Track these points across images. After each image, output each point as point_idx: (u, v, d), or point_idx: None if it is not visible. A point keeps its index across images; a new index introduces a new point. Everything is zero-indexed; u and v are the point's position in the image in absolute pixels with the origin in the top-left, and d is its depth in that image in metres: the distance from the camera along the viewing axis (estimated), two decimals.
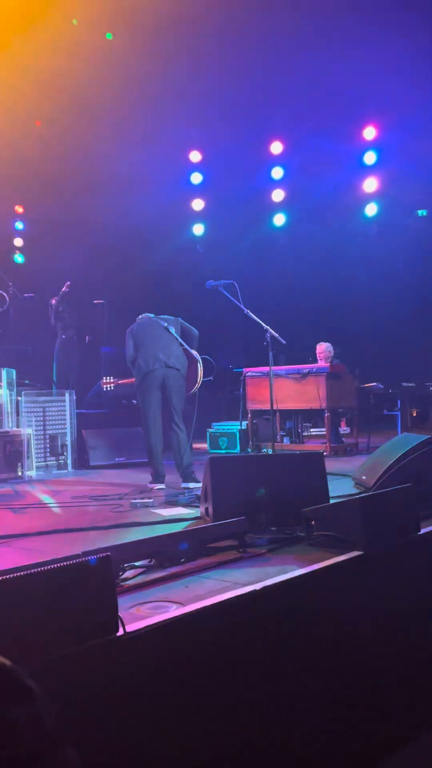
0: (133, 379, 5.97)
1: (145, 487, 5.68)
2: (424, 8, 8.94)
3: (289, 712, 2.48)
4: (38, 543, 3.60)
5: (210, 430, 8.36)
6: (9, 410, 7.10)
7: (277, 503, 3.71)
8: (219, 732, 2.23)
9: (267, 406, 6.74)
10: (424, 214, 11.14)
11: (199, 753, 2.16)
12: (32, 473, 6.94)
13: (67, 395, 7.80)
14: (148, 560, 2.98)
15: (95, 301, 11.18)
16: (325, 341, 8.68)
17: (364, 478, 4.79)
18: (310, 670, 2.60)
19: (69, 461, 7.52)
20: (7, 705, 0.80)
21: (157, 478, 5.76)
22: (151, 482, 5.75)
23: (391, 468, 4.30)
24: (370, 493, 3.79)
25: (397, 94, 9.82)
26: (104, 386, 6.87)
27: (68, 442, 7.57)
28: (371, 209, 11.19)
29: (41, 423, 7.47)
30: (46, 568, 1.95)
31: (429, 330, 10.47)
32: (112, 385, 6.78)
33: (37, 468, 7.19)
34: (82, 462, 7.62)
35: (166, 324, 5.95)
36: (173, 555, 3.02)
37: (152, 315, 6.11)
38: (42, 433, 7.43)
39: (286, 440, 8.41)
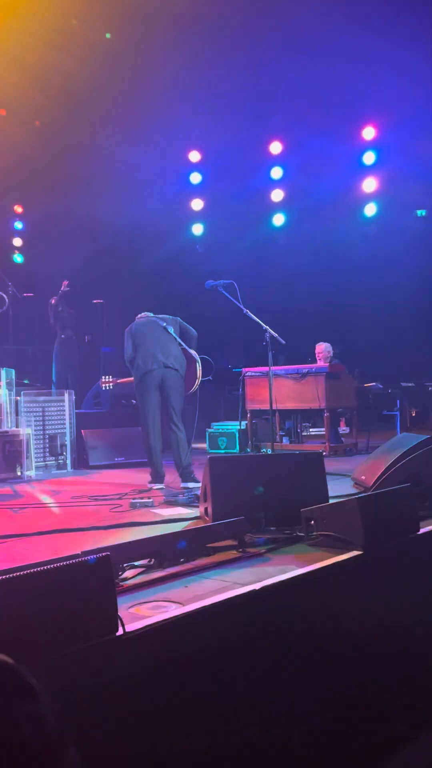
0: (132, 379, 5.97)
1: (145, 487, 5.68)
2: (423, 8, 8.94)
3: (289, 712, 2.48)
4: (38, 543, 3.59)
5: (209, 430, 8.35)
6: (8, 410, 7.09)
7: (276, 503, 3.71)
8: (219, 732, 2.23)
9: (266, 406, 6.73)
10: (423, 214, 11.15)
11: (199, 753, 2.16)
12: (31, 473, 6.94)
13: (66, 395, 7.80)
14: (147, 560, 2.98)
15: (94, 301, 11.20)
16: (325, 341, 8.68)
17: (363, 478, 4.79)
18: (310, 670, 2.60)
19: (68, 461, 7.52)
20: (9, 703, 0.80)
21: (157, 478, 5.75)
22: (150, 482, 5.75)
23: (391, 468, 4.30)
24: (369, 493, 3.79)
25: (397, 94, 9.83)
26: (103, 385, 6.86)
27: (67, 442, 7.57)
28: (370, 209, 11.19)
29: (40, 423, 7.46)
30: (45, 568, 1.95)
31: (428, 330, 10.47)
32: (111, 384, 6.77)
33: (37, 468, 7.18)
34: (81, 462, 7.61)
35: (164, 324, 5.94)
36: (173, 555, 3.01)
37: (151, 314, 6.11)
38: (41, 433, 7.43)
39: (285, 440, 8.40)
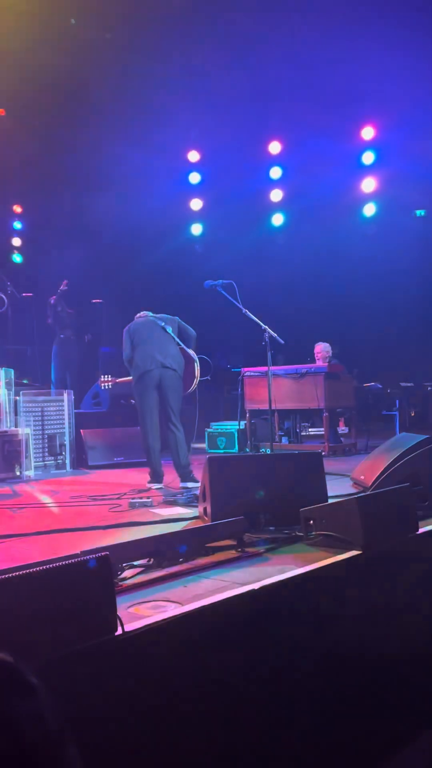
0: (131, 378, 5.97)
1: (144, 486, 5.68)
2: (423, 8, 8.94)
3: (289, 712, 2.47)
4: (37, 543, 3.59)
5: (208, 429, 8.35)
6: (7, 410, 7.09)
7: (275, 503, 3.71)
8: (219, 732, 2.23)
9: (265, 406, 6.73)
10: (423, 214, 11.15)
11: (199, 753, 2.15)
12: (30, 473, 6.93)
13: (65, 395, 7.80)
14: (146, 560, 2.98)
15: (94, 301, 11.19)
16: (324, 341, 8.69)
17: (362, 477, 4.79)
18: (310, 669, 2.60)
19: (67, 461, 7.52)
20: (9, 701, 0.80)
21: (156, 477, 5.75)
22: (149, 482, 5.75)
23: (390, 468, 4.30)
24: (368, 493, 3.79)
25: (396, 94, 9.82)
26: (102, 385, 6.86)
27: (66, 442, 7.57)
28: (369, 209, 11.19)
29: (40, 423, 7.46)
30: (45, 567, 1.94)
31: (428, 330, 10.48)
32: (110, 384, 6.77)
33: (36, 468, 7.18)
34: (80, 462, 7.61)
35: (163, 323, 5.94)
36: (172, 555, 3.01)
37: (150, 314, 6.11)
38: (40, 432, 7.43)
39: (284, 440, 8.40)
